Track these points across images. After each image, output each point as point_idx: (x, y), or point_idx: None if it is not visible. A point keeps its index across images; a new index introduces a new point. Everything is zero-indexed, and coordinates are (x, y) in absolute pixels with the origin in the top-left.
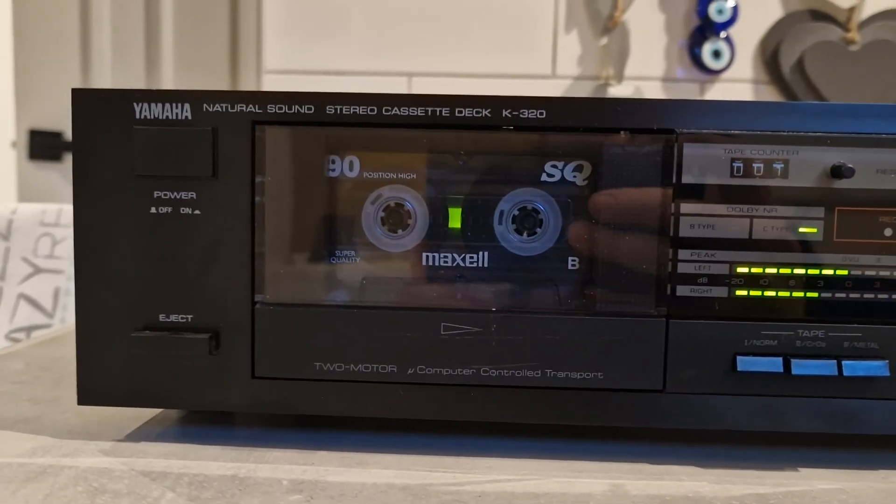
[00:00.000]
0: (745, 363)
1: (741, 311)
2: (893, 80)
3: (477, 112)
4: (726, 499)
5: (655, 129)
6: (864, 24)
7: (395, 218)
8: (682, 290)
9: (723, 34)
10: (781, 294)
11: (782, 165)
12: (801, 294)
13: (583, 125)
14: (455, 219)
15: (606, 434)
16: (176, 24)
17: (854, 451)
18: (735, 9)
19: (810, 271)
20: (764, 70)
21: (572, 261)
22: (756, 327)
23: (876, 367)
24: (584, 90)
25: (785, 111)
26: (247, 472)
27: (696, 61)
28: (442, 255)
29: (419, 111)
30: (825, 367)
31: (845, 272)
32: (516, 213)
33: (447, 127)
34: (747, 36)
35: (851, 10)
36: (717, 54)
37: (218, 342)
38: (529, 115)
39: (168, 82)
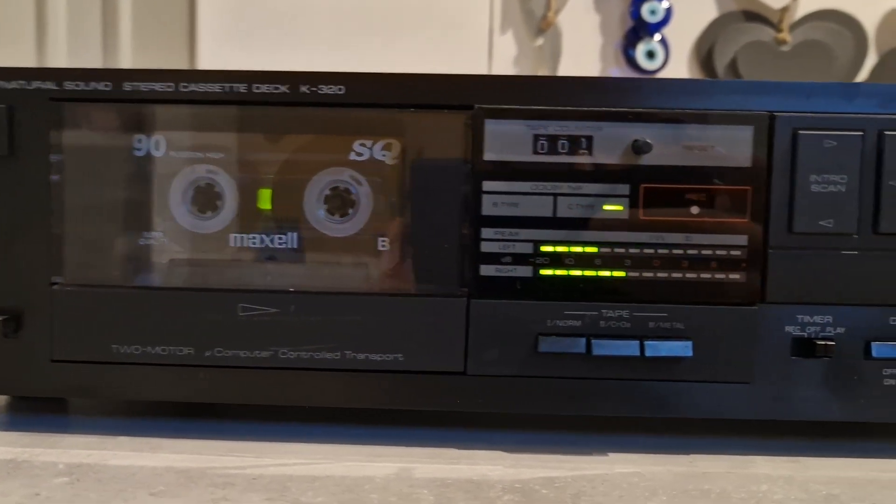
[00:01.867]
0: (546, 344)
1: (545, 290)
2: (824, 80)
3: (275, 88)
4: (510, 482)
5: (456, 105)
6: (796, 25)
7: (204, 199)
8: (487, 270)
9: (657, 35)
10: (587, 273)
11: (586, 142)
12: (607, 273)
13: (382, 101)
14: (265, 200)
15: (432, 419)
16: (134, 3)
17: (673, 436)
18: (669, 10)
19: (616, 250)
20: (700, 70)
21: (382, 241)
22: (559, 307)
23: (679, 348)
24: None
25: (587, 86)
26: (28, 457)
27: (631, 62)
28: (251, 236)
29: (217, 87)
30: (627, 347)
31: (652, 251)
32: (328, 193)
33: (245, 103)
34: (683, 36)
35: (783, 10)
36: (651, 55)
37: (17, 325)
38: (328, 91)
39: (126, 62)
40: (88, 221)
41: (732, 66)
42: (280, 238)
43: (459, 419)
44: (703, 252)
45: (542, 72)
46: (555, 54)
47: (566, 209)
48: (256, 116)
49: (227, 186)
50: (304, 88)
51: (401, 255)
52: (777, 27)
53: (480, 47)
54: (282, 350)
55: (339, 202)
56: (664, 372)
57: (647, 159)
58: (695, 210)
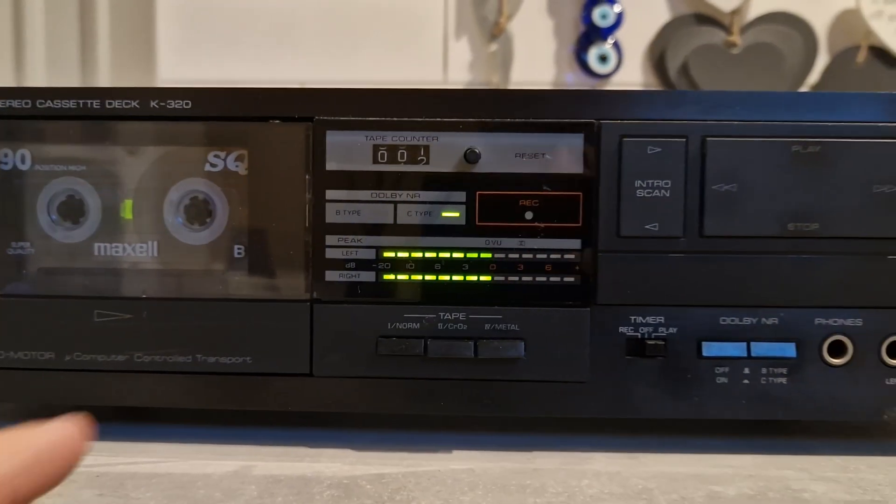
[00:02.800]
0: (385, 346)
1: (386, 294)
2: (774, 82)
3: (126, 103)
4: (340, 478)
5: (296, 117)
6: (746, 28)
7: (69, 210)
8: (332, 276)
9: (611, 39)
10: (427, 278)
11: (424, 151)
12: (445, 277)
13: (227, 115)
14: (127, 210)
15: (286, 419)
16: (112, 22)
17: (521, 435)
18: (620, 14)
19: (454, 255)
20: (653, 73)
21: (238, 249)
22: (399, 310)
23: (510, 348)
24: None
25: (424, 98)
26: None
27: (584, 66)
28: (114, 245)
29: (71, 104)
30: (462, 348)
31: (489, 255)
32: (186, 202)
33: (99, 118)
34: (636, 40)
35: (734, 13)
36: (603, 59)
37: None
38: (176, 106)
39: (104, 80)
40: None
41: (684, 69)
42: (141, 246)
43: (314, 419)
44: (538, 256)
45: (495, 78)
46: (508, 60)
47: (406, 216)
48: (116, 130)
49: (91, 198)
50: (153, 103)
51: (254, 262)
52: (728, 30)
53: (435, 54)
54: (137, 354)
55: (196, 211)
56: (501, 372)
57: (481, 167)
58: (529, 216)
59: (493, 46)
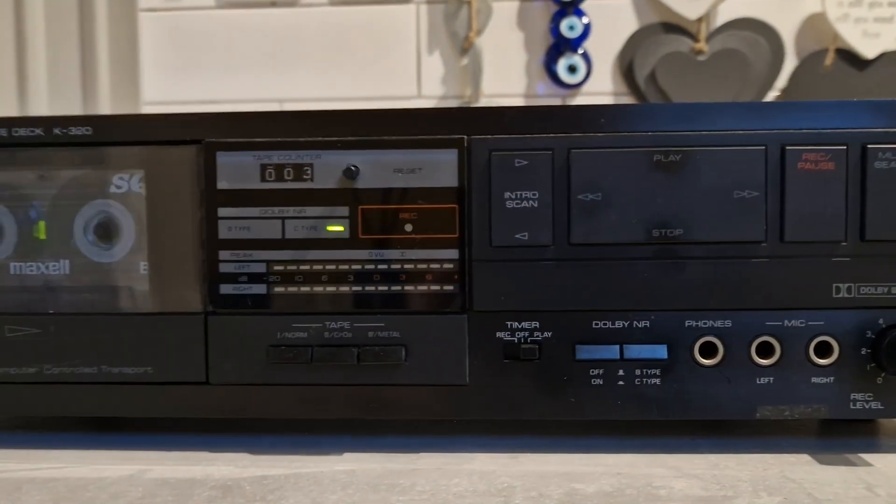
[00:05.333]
0: (275, 354)
1: (276, 305)
2: (741, 88)
3: (31, 131)
4: (224, 480)
5: (188, 140)
6: (713, 35)
7: None
8: (226, 289)
9: (580, 49)
10: (315, 289)
11: (308, 169)
12: (332, 288)
13: (125, 140)
14: (41, 231)
15: (189, 426)
16: (111, 53)
17: (412, 436)
18: (587, 25)
19: (340, 267)
20: (623, 82)
21: (144, 265)
22: (288, 320)
23: (392, 354)
24: None
25: (306, 119)
26: None
27: (554, 77)
28: (28, 264)
29: None
30: (346, 355)
31: (372, 266)
32: (95, 223)
33: (7, 146)
34: (605, 49)
35: (700, 21)
36: (572, 69)
37: None
38: (77, 132)
39: (105, 109)
40: None
41: (652, 77)
42: (54, 265)
43: (219, 425)
44: (418, 266)
45: (468, 91)
46: (478, 73)
47: (293, 231)
48: (26, 156)
49: (7, 220)
50: (56, 130)
51: (155, 278)
52: (695, 37)
53: (409, 69)
54: (46, 366)
55: (104, 231)
56: (384, 377)
57: (361, 183)
58: (408, 228)
59: (465, 60)
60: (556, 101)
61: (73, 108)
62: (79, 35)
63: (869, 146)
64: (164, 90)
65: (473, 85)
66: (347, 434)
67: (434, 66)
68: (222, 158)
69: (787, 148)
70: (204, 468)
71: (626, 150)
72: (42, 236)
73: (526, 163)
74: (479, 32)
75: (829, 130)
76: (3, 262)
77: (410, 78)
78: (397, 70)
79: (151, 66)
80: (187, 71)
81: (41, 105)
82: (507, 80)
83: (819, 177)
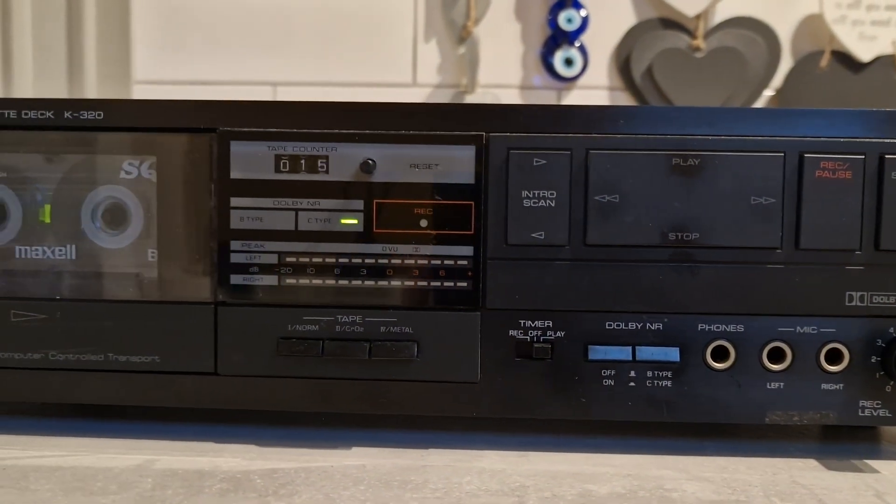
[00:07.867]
0: (285, 346)
1: (287, 297)
2: (737, 86)
3: (41, 114)
4: (234, 472)
5: (202, 128)
6: (711, 32)
7: None
8: (236, 279)
9: (577, 42)
10: (328, 282)
11: (323, 161)
12: (345, 282)
13: (137, 125)
14: (46, 214)
15: (194, 416)
16: (99, 34)
17: (422, 432)
18: (585, 18)
19: (353, 260)
20: (619, 76)
21: (152, 252)
22: (299, 313)
23: (403, 350)
24: (444, 98)
25: (322, 110)
26: None
27: (550, 69)
28: (34, 248)
29: None
30: (358, 349)
31: (385, 261)
32: (103, 209)
33: (16, 128)
34: (602, 44)
35: (698, 18)
36: (568, 62)
37: None
38: (89, 117)
39: (91, 91)
40: None
41: (649, 73)
42: (60, 250)
43: (226, 415)
44: (432, 262)
45: (464, 80)
46: (475, 63)
47: (307, 223)
48: (40, 138)
49: (13, 203)
50: (67, 114)
51: (164, 266)
52: (692, 34)
53: (405, 56)
54: (51, 352)
55: (111, 217)
56: (395, 372)
57: (377, 177)
58: (423, 223)
59: (462, 49)
60: (553, 94)
61: (59, 87)
62: (66, 13)
63: (887, 156)
64: (155, 70)
65: (470, 74)
66: (355, 428)
67: (430, 53)
68: (236, 147)
69: (806, 155)
70: (211, 459)
71: (645, 153)
72: (47, 220)
73: (544, 162)
74: (478, 21)
75: (847, 139)
76: (8, 246)
77: (406, 65)
78: (393, 56)
79: (141, 45)
80: (178, 52)
81: (26, 84)
82: (503, 70)
83: (836, 185)
